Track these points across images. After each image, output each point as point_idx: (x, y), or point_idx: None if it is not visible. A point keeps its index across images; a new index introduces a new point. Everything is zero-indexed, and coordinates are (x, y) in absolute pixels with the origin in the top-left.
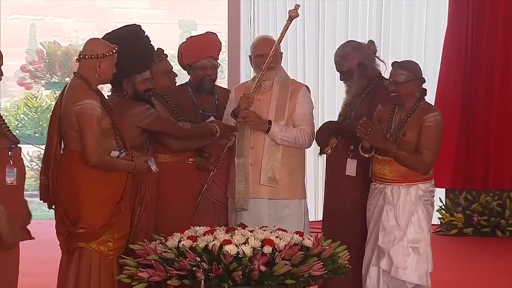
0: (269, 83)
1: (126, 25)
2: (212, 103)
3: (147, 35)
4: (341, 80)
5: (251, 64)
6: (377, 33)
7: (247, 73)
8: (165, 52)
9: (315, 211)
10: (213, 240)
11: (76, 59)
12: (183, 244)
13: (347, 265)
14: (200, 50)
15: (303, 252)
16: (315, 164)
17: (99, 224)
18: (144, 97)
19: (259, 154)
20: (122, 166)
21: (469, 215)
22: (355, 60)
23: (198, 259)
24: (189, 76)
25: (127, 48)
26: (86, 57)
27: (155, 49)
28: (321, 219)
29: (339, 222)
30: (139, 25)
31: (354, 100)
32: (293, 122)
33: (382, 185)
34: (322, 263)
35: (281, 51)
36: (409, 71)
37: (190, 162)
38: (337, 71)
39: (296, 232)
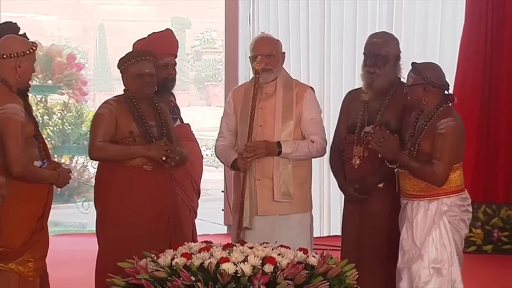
0: (272, 88)
1: (6, 22)
2: (169, 104)
3: None
4: (370, 65)
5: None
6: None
7: (245, 75)
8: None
9: (321, 226)
10: (209, 258)
11: None
12: (176, 262)
13: (356, 285)
14: (163, 47)
15: (307, 271)
16: (320, 176)
17: (19, 242)
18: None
19: (268, 168)
20: (47, 177)
21: (489, 231)
22: (396, 50)
23: (193, 278)
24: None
25: None
26: (4, 56)
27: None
28: (332, 234)
29: (365, 241)
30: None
31: (374, 103)
32: (301, 129)
33: (405, 201)
34: (328, 283)
35: (283, 51)
36: (417, 74)
37: (148, 169)
38: (370, 53)
39: (300, 249)
